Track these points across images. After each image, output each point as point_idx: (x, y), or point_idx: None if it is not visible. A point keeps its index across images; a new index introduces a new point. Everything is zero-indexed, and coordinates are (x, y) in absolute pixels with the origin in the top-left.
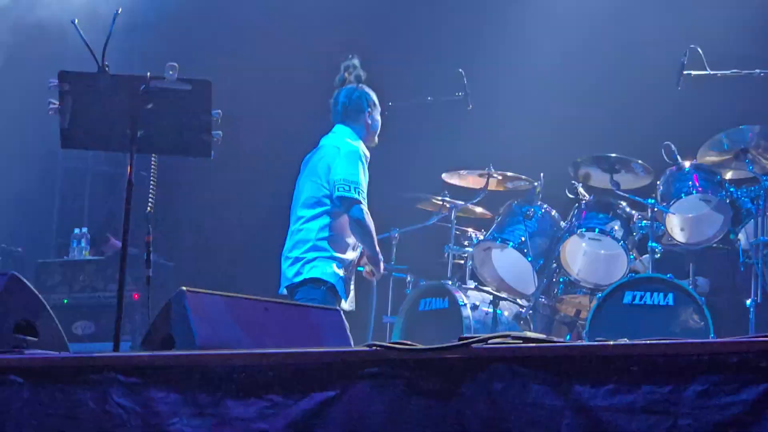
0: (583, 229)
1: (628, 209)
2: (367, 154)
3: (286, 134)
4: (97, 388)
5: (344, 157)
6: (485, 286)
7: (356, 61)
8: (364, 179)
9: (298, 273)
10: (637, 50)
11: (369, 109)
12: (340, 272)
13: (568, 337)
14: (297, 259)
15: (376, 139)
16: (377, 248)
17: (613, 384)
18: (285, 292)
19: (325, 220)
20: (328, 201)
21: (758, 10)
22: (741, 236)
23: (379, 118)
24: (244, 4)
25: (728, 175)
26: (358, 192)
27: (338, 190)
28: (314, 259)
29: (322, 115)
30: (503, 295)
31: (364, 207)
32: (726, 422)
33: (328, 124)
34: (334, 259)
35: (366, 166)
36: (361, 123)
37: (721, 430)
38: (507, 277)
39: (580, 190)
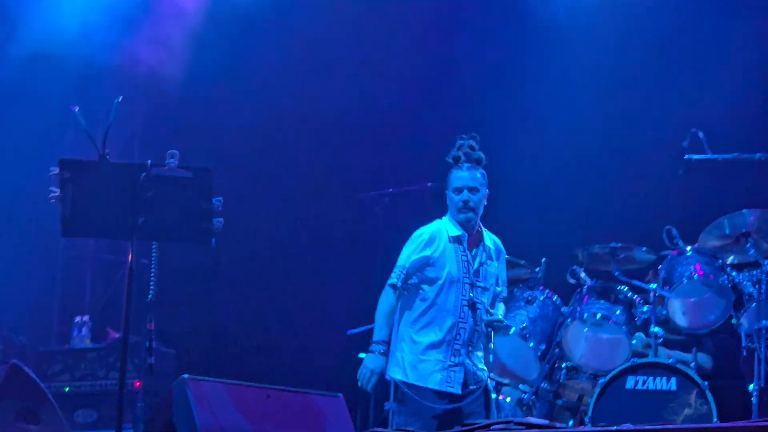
0: (585, 315)
1: (629, 294)
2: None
3: (287, 218)
4: None
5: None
6: None
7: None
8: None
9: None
10: (639, 134)
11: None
12: None
13: (570, 422)
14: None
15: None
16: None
17: None
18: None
19: None
20: None
21: (758, 93)
22: (743, 320)
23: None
24: (241, 92)
25: (730, 260)
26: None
27: None
28: None
29: (320, 198)
30: (505, 380)
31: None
32: None
33: (328, 205)
34: None
35: (422, 246)
36: (447, 198)
37: None
38: (509, 362)
39: (582, 275)
